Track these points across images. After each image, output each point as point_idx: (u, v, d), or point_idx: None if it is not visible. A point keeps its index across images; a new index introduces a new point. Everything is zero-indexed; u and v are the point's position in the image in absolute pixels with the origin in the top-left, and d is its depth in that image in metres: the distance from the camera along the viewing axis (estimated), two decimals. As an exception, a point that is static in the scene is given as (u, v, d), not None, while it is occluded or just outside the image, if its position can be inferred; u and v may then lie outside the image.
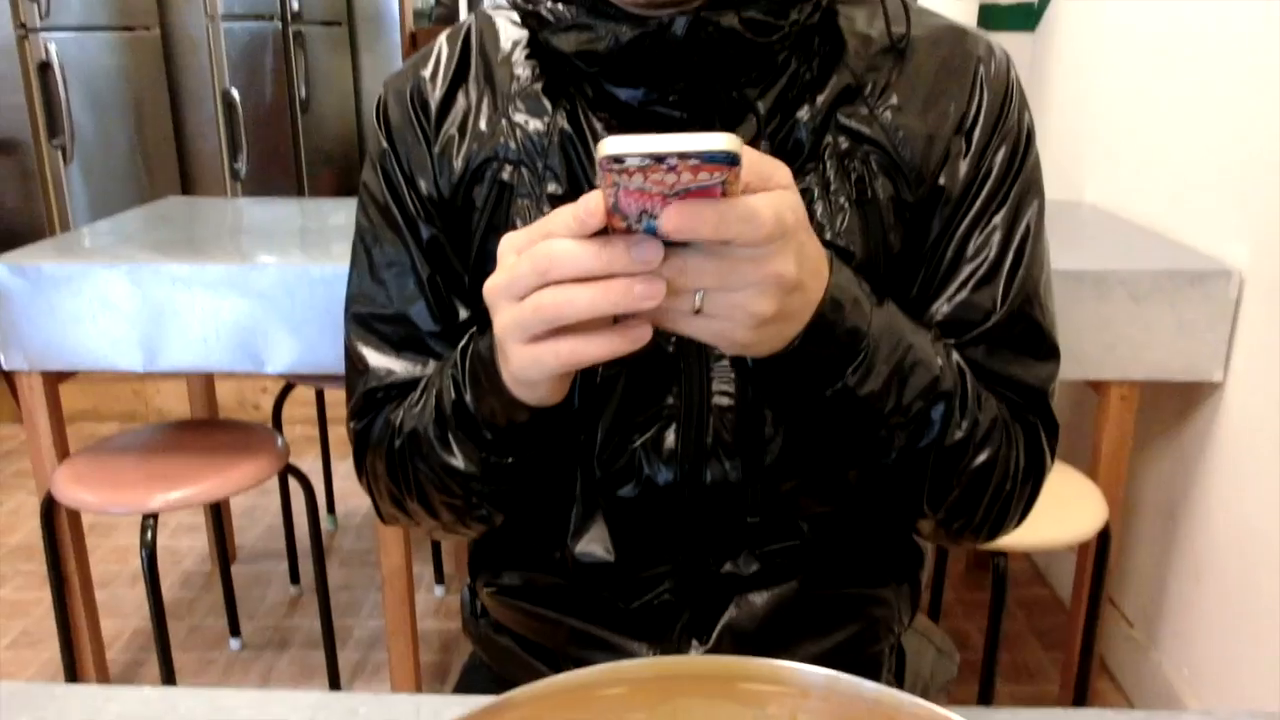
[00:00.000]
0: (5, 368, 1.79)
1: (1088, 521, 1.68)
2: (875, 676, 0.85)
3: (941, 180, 0.73)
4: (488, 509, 0.74)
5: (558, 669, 0.83)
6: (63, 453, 1.87)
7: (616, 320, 0.54)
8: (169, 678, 1.85)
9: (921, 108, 0.74)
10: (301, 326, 1.75)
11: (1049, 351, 0.76)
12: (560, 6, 0.71)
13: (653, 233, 0.50)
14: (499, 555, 0.85)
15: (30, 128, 3.25)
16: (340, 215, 2.20)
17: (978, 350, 0.73)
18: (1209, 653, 1.81)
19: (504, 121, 0.76)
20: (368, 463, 0.80)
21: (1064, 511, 1.69)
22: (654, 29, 0.67)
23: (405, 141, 0.78)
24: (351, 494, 2.87)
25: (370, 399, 0.80)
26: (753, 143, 0.71)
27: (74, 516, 1.90)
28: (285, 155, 4.53)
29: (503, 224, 0.75)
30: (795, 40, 0.72)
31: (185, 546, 2.69)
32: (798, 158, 0.73)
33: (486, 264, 0.57)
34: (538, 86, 0.76)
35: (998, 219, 0.74)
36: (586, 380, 0.75)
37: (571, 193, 0.74)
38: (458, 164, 0.77)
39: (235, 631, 2.27)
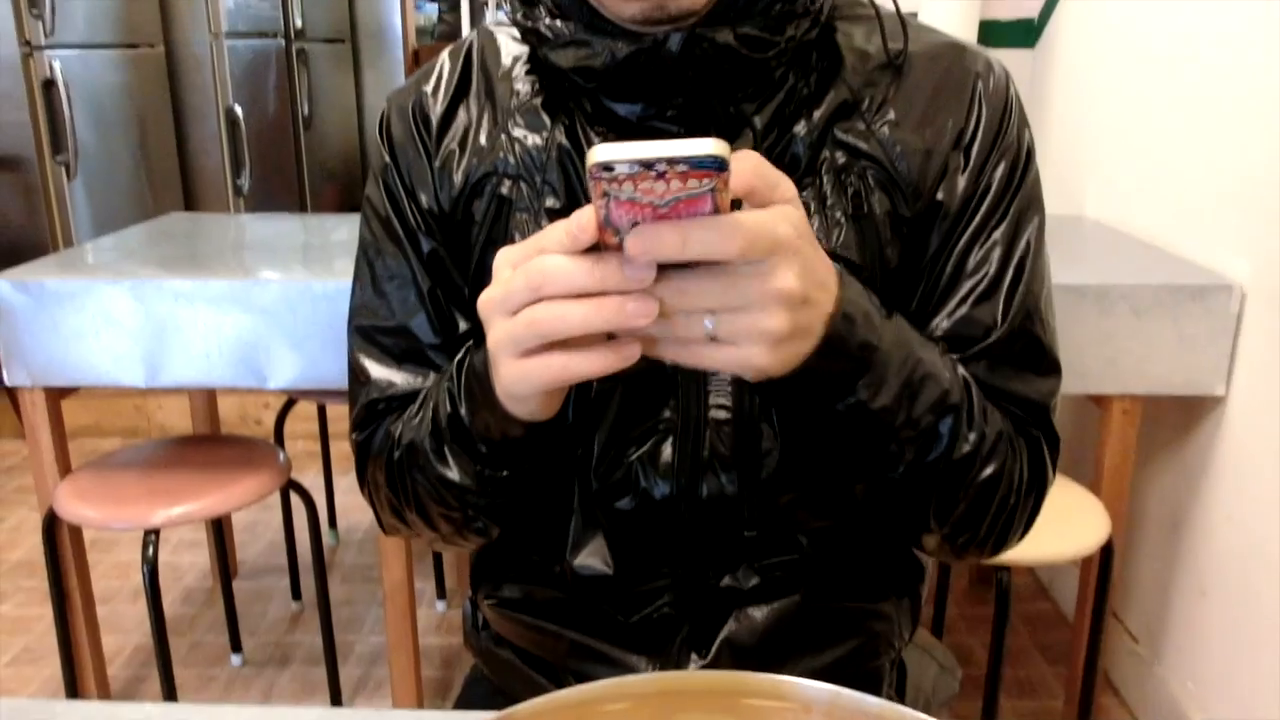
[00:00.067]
0: (8, 383, 1.79)
1: (1091, 536, 1.67)
2: (875, 691, 0.85)
3: (939, 195, 0.73)
4: (484, 521, 0.74)
5: (558, 682, 0.84)
6: (64, 468, 1.87)
7: (611, 337, 0.54)
8: (170, 694, 1.85)
9: (919, 123, 0.74)
10: (303, 342, 1.75)
11: (1050, 367, 0.76)
12: (559, 23, 0.71)
13: None
14: (500, 567, 0.85)
15: (34, 144, 3.26)
16: (342, 231, 2.20)
17: (979, 366, 0.73)
18: (1213, 667, 1.80)
19: (503, 136, 0.77)
20: (369, 473, 0.81)
21: (1067, 526, 1.69)
22: (649, 45, 0.68)
23: (407, 156, 0.79)
24: (353, 509, 2.87)
25: (372, 410, 0.80)
26: None
27: (75, 532, 1.90)
28: (288, 171, 4.54)
29: (502, 238, 0.76)
30: (793, 56, 0.72)
31: (187, 562, 2.68)
32: (794, 172, 0.73)
33: (485, 277, 0.57)
34: (537, 102, 0.77)
35: (998, 234, 0.74)
36: (583, 393, 0.75)
37: (570, 207, 0.74)
38: (458, 178, 0.77)
39: (237, 647, 2.27)
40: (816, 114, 0.73)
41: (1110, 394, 1.76)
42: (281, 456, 1.94)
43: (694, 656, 0.80)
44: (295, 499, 2.01)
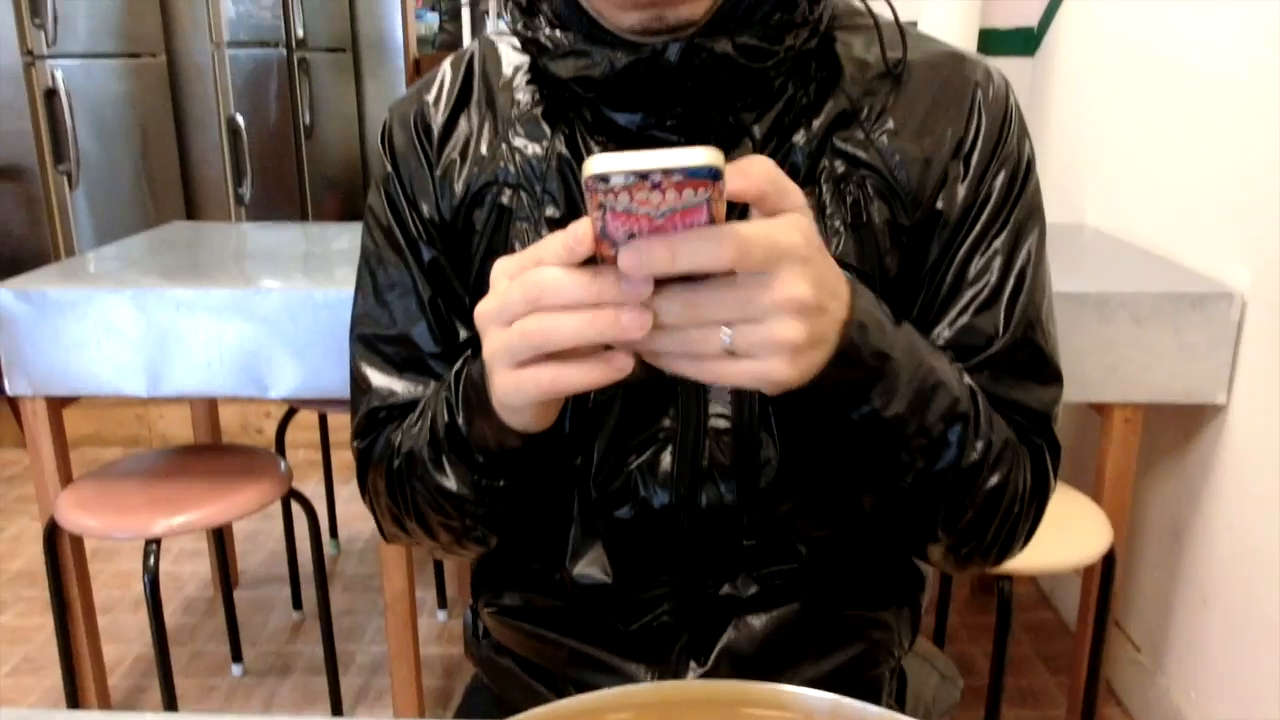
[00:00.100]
0: (9, 393, 1.79)
1: (1093, 544, 1.67)
2: (875, 700, 0.85)
3: (939, 204, 0.73)
4: (482, 531, 0.74)
5: (558, 691, 0.83)
6: (66, 478, 1.87)
7: (610, 349, 0.54)
8: (171, 704, 1.84)
9: (918, 132, 0.74)
10: (305, 351, 1.75)
11: (1052, 376, 0.76)
12: (558, 33, 0.72)
13: None
14: (500, 576, 0.86)
15: (36, 154, 3.27)
16: (344, 240, 2.21)
17: (981, 376, 0.73)
18: (1216, 676, 1.80)
19: (504, 146, 0.77)
20: (370, 482, 0.81)
21: (1069, 534, 1.69)
22: (648, 55, 0.68)
23: (408, 165, 0.79)
24: (354, 519, 2.87)
25: (373, 419, 0.80)
26: None
27: (76, 542, 1.90)
28: (289, 181, 4.55)
29: (502, 247, 0.76)
30: (792, 65, 0.72)
31: (188, 572, 2.68)
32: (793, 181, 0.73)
33: (486, 286, 0.57)
34: (538, 111, 0.77)
35: (998, 244, 0.74)
36: (582, 402, 0.75)
37: (569, 216, 0.74)
38: (458, 187, 0.77)
39: (237, 657, 2.26)
40: (815, 123, 0.74)
41: (1111, 402, 1.76)
42: (283, 466, 1.95)
43: (693, 665, 0.79)
44: (296, 508, 2.00)
